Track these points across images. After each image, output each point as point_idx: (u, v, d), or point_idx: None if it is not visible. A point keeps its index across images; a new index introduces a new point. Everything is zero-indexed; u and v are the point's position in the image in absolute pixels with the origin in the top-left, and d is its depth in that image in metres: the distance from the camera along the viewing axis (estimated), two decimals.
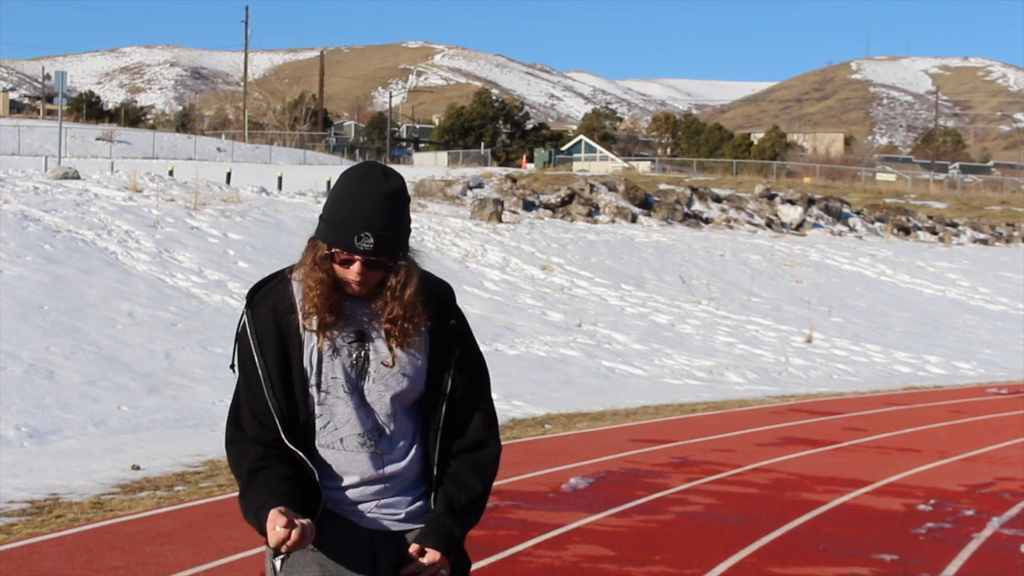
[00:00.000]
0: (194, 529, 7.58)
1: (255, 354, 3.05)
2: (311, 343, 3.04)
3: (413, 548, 3.07)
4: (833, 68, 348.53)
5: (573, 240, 30.26)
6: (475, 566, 3.27)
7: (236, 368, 3.12)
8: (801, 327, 23.47)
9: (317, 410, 3.05)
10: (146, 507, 8.20)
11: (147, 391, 12.87)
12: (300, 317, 3.05)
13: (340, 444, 3.07)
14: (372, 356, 3.06)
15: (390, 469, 3.10)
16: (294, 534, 2.84)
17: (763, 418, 14.19)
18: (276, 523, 2.85)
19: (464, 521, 3.12)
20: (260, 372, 3.04)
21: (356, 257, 2.98)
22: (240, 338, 3.10)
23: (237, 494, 3.14)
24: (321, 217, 3.07)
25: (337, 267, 3.02)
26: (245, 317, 3.09)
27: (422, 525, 3.12)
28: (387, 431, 3.09)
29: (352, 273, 3.00)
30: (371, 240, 2.96)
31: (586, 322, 21.33)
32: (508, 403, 14.05)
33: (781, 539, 7.93)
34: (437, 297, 3.12)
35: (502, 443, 3.25)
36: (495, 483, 3.26)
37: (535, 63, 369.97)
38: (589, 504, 8.69)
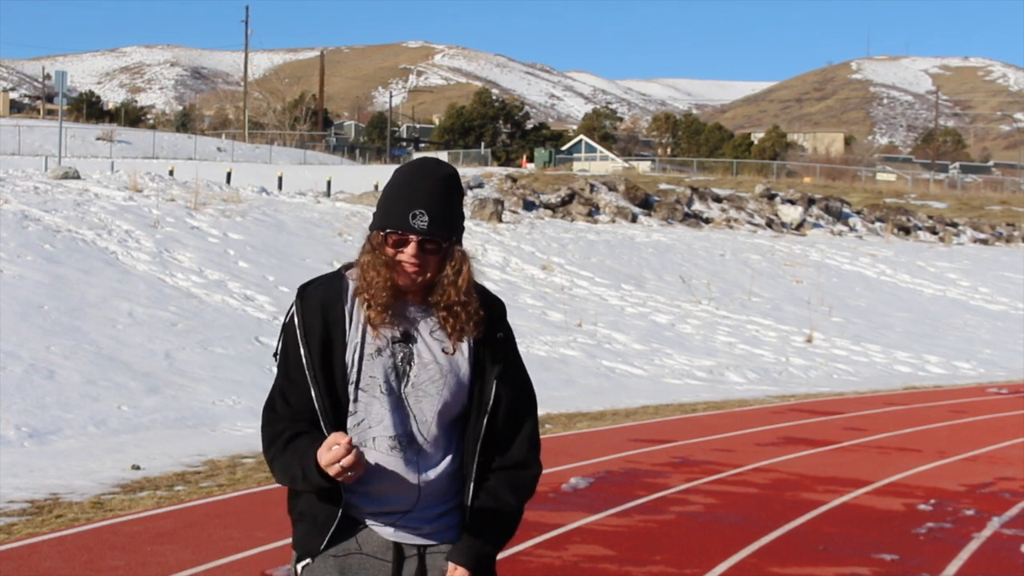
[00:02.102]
0: (194, 529, 7.58)
1: (301, 344, 3.01)
2: (355, 339, 3.01)
3: (448, 567, 3.03)
4: (833, 68, 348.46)
5: (573, 240, 30.25)
6: None
7: (278, 356, 3.09)
8: (801, 327, 23.47)
9: (351, 407, 3.02)
10: (146, 507, 8.20)
11: (147, 391, 12.87)
12: (348, 312, 3.02)
13: (372, 443, 3.02)
14: (415, 360, 3.03)
15: (421, 478, 3.05)
16: (352, 454, 2.81)
17: (763, 418, 14.19)
18: (335, 441, 2.83)
19: (497, 538, 3.07)
20: (304, 362, 3.00)
21: (411, 238, 2.95)
22: (286, 328, 3.07)
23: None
24: (375, 212, 3.05)
25: (390, 250, 2.98)
26: (294, 308, 3.05)
27: (449, 540, 3.08)
28: (420, 438, 3.04)
29: (406, 255, 2.97)
30: (425, 218, 2.94)
31: (586, 322, 21.32)
32: None
33: (781, 539, 7.93)
34: (488, 309, 3.09)
35: None
36: None
37: (535, 63, 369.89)
38: (589, 504, 8.69)
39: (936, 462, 11.41)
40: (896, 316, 27.13)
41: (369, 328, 3.00)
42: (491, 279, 24.27)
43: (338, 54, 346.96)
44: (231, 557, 6.90)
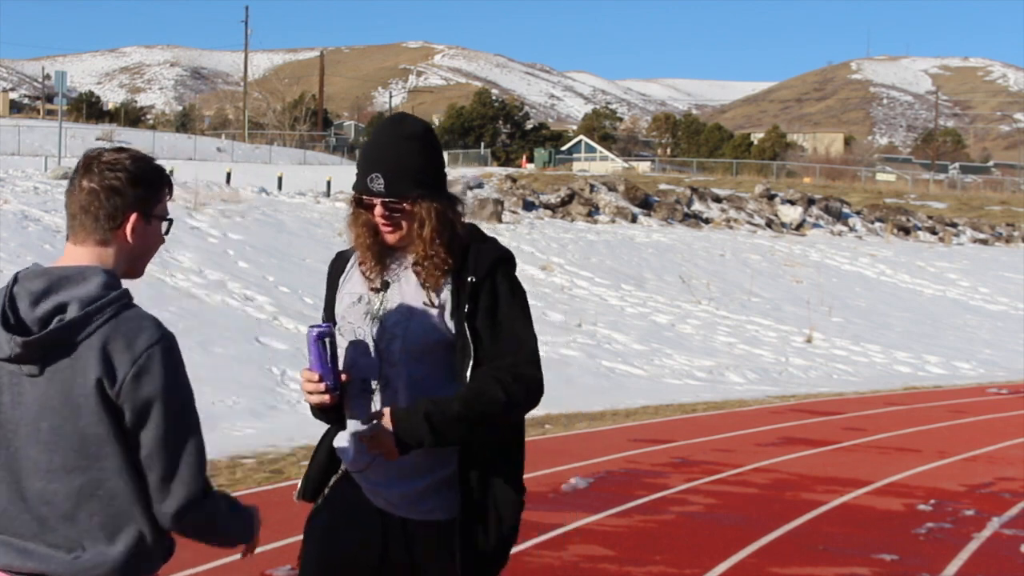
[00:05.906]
0: None
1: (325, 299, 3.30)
2: (342, 291, 3.19)
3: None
4: (833, 68, 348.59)
5: (573, 240, 30.26)
6: None
7: None
8: (801, 327, 23.47)
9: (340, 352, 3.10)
10: None
11: None
12: (348, 266, 3.21)
13: (347, 387, 3.07)
14: (388, 305, 3.08)
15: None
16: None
17: (763, 418, 14.18)
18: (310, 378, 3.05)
19: (434, 416, 2.94)
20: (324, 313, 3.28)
21: (375, 200, 3.04)
22: None
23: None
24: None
25: (363, 211, 3.09)
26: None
27: (436, 516, 3.03)
28: (392, 382, 3.05)
29: (377, 216, 3.05)
30: (381, 181, 3.01)
31: (586, 322, 21.33)
32: None
33: (781, 539, 7.93)
34: (476, 255, 3.07)
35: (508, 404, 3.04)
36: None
37: (535, 63, 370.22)
38: (589, 504, 8.68)
39: (936, 462, 11.41)
40: (896, 316, 27.13)
41: (356, 279, 3.15)
42: None
43: (338, 54, 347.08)
44: (231, 557, 6.89)
